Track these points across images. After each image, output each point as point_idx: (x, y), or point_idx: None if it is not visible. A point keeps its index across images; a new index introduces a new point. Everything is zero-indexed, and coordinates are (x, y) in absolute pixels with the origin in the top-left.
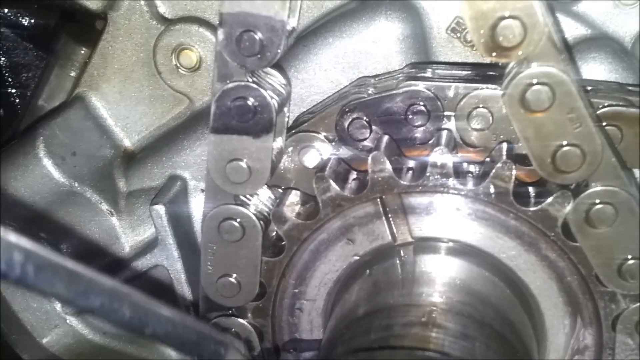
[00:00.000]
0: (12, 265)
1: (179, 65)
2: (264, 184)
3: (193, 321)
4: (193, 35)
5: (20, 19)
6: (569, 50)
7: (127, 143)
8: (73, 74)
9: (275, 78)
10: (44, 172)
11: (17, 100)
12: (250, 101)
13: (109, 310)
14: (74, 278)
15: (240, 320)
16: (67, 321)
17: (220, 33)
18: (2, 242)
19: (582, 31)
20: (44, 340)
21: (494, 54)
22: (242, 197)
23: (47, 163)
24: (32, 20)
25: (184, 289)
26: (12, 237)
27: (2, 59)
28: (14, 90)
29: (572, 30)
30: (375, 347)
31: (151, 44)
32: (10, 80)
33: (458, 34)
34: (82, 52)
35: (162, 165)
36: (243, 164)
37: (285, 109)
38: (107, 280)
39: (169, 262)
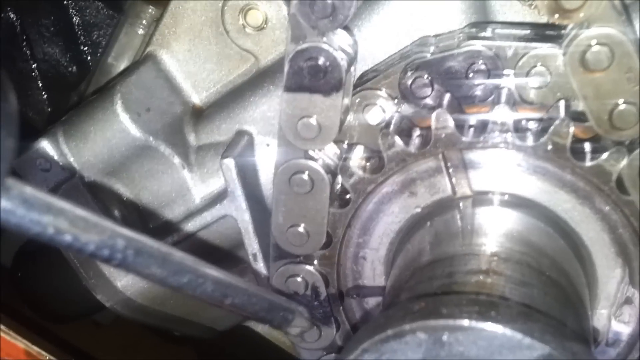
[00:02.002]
0: (116, 251)
1: (245, 24)
2: (333, 139)
3: (265, 292)
4: None
5: None
6: (626, 9)
7: (196, 99)
8: (141, 32)
9: (343, 38)
10: (121, 127)
11: (89, 58)
12: (322, 61)
13: (195, 285)
14: (166, 259)
15: (308, 267)
16: None
17: None
18: (107, 231)
19: None
20: (120, 284)
21: (556, 16)
22: (310, 152)
23: (125, 118)
24: None
25: (252, 238)
26: (115, 226)
27: (76, 18)
28: (86, 48)
29: None
30: (439, 293)
31: (219, 4)
32: (83, 38)
33: None
34: (150, 10)
35: (229, 120)
36: (313, 121)
37: (352, 68)
38: (192, 259)
39: (238, 212)
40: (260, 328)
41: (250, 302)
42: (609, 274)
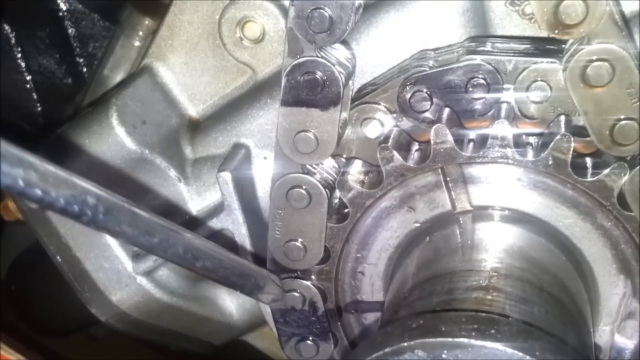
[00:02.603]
0: (86, 207)
1: (242, 37)
2: (330, 154)
3: (237, 258)
4: (257, 8)
5: None
6: (627, 24)
7: (193, 112)
8: (137, 44)
9: (341, 52)
10: (117, 140)
11: (85, 70)
12: (319, 75)
13: (166, 246)
14: (137, 218)
15: (306, 282)
16: (137, 280)
17: (292, 10)
18: (77, 187)
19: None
20: (115, 298)
21: (556, 31)
22: (308, 166)
23: (120, 131)
24: None
25: (248, 253)
26: (85, 183)
27: (71, 30)
28: (81, 60)
29: (630, 3)
30: (439, 310)
31: (216, 17)
32: (79, 50)
33: (516, 7)
34: (147, 22)
35: (226, 133)
36: (311, 135)
37: (350, 82)
38: (163, 221)
39: (234, 226)
40: (258, 343)
41: (221, 266)
42: (611, 291)
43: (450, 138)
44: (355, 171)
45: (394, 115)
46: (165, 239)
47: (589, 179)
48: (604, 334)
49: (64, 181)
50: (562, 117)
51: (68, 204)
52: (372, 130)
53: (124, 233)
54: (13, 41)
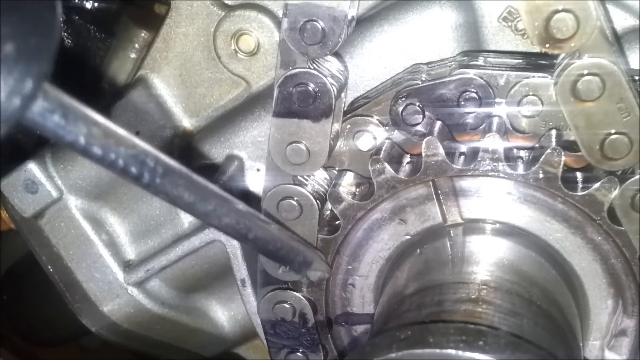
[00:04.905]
0: (145, 168)
1: (237, 49)
2: (322, 165)
3: (287, 233)
4: (252, 21)
5: (84, 2)
6: (618, 40)
7: (187, 123)
8: (133, 55)
9: (333, 64)
10: None
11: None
12: (311, 87)
13: (221, 214)
14: (193, 183)
15: (296, 293)
16: (129, 291)
17: (285, 22)
18: (137, 147)
19: (631, 22)
20: (106, 309)
21: (547, 45)
22: (299, 178)
23: None
24: (96, 4)
25: (240, 264)
26: (144, 144)
27: (67, 41)
28: (77, 71)
29: (621, 20)
30: (427, 321)
31: (211, 29)
32: (74, 61)
33: (509, 23)
34: (142, 34)
35: (220, 145)
36: (302, 147)
37: (343, 94)
38: (218, 189)
39: (226, 237)
40: (249, 356)
41: (272, 239)
42: (601, 305)
43: (441, 151)
44: (347, 183)
45: (386, 128)
46: (220, 206)
47: (579, 193)
48: (593, 348)
49: (124, 140)
50: (553, 132)
51: (127, 165)
52: (364, 142)
53: (180, 198)
54: None
